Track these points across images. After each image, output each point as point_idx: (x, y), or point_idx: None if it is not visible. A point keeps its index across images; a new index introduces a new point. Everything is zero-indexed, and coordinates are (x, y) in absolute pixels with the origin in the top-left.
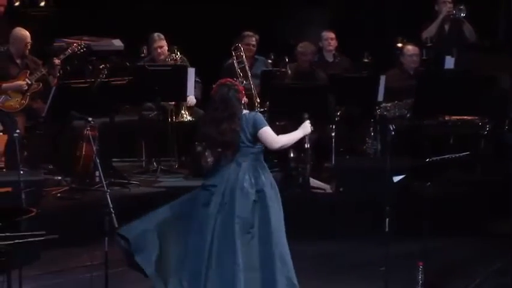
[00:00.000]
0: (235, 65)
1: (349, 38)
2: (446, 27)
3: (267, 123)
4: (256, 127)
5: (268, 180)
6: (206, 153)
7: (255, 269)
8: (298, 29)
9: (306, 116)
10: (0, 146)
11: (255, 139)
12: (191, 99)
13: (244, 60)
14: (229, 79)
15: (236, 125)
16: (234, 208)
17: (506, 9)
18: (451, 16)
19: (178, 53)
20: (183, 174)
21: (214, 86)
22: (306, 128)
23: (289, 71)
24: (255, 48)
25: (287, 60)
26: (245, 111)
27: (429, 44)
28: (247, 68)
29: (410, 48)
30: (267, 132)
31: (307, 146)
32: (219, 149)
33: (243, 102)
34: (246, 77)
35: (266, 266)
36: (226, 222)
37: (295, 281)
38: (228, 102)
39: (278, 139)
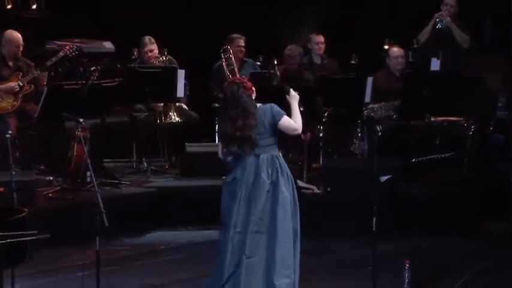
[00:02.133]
0: (225, 66)
1: (338, 40)
2: (445, 31)
3: (284, 113)
4: (276, 117)
5: (284, 170)
6: (224, 151)
7: (261, 259)
8: (288, 31)
9: (287, 86)
10: None
11: (274, 130)
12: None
13: (233, 62)
14: (238, 77)
15: (251, 120)
16: (252, 199)
17: (492, 11)
18: (437, 26)
19: (166, 53)
20: (173, 174)
21: (223, 86)
22: (295, 96)
23: (278, 73)
24: (244, 50)
25: (275, 62)
26: (259, 104)
27: (415, 46)
28: (236, 69)
29: (395, 50)
30: (286, 121)
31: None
32: (237, 145)
33: (253, 97)
34: None
35: (269, 258)
36: (247, 212)
37: (291, 275)
38: (239, 99)
39: (296, 125)
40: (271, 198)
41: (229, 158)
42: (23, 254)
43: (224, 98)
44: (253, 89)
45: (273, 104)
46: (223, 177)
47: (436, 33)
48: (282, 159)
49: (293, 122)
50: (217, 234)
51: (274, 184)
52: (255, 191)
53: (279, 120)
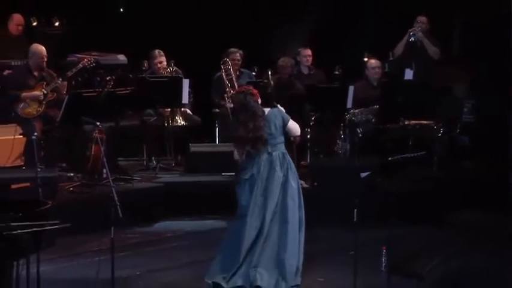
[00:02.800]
0: (224, 76)
1: (323, 53)
2: (418, 44)
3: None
4: (285, 120)
5: (292, 165)
6: (237, 153)
7: (274, 243)
8: (280, 45)
9: (274, 102)
10: (20, 147)
11: (283, 130)
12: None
13: (232, 72)
14: (244, 86)
15: (260, 122)
16: (268, 192)
17: (460, 26)
18: (410, 40)
19: (172, 64)
20: (178, 171)
21: (231, 95)
22: (282, 110)
23: (272, 82)
24: (240, 62)
25: (270, 73)
26: (268, 109)
27: (391, 58)
28: (234, 79)
29: (373, 62)
30: (292, 123)
31: None
32: (250, 146)
33: (259, 102)
34: (233, 87)
35: (280, 242)
36: (263, 204)
37: (295, 262)
38: (247, 106)
39: (298, 126)
40: (282, 189)
41: (241, 157)
42: (47, 241)
43: (233, 106)
44: (258, 95)
45: (280, 108)
46: (223, 174)
47: (409, 47)
48: (289, 156)
49: (296, 125)
50: (217, 224)
51: (285, 177)
52: (270, 185)
53: (287, 122)
